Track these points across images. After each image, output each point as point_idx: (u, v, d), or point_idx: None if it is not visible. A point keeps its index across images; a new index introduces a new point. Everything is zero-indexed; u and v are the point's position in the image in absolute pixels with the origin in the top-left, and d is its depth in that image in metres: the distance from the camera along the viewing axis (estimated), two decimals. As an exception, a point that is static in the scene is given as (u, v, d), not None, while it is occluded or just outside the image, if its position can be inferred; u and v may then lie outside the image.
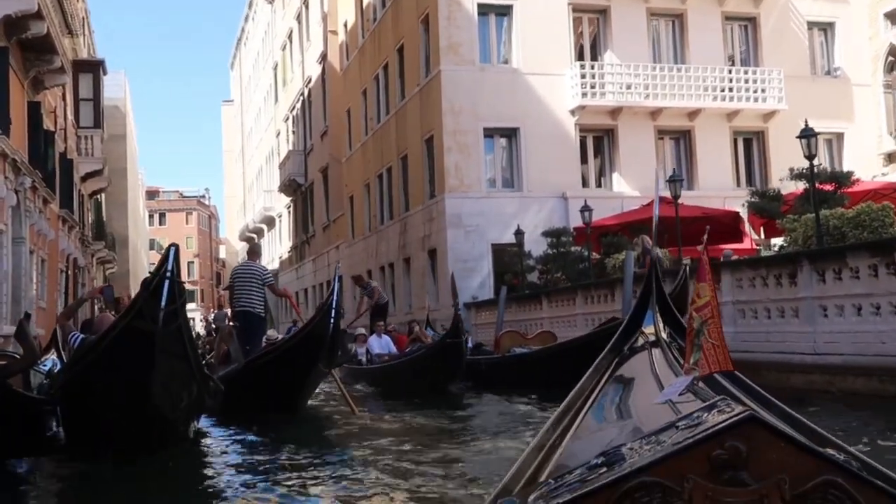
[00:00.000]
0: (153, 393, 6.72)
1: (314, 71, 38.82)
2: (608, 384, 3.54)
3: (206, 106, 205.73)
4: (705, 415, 1.57)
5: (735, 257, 13.14)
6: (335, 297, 9.67)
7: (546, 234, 20.25)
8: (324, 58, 36.78)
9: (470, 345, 15.23)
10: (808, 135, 12.00)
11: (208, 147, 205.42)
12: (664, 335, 3.79)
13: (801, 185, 13.40)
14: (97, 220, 40.89)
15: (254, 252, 13.24)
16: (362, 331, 16.53)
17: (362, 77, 31.10)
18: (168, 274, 6.50)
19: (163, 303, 6.45)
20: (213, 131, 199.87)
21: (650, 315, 4.11)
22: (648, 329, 4.02)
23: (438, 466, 6.65)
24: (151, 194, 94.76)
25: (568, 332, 16.02)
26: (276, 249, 51.90)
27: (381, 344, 15.56)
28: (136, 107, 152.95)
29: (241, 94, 67.65)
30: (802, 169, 13.03)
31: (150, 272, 6.87)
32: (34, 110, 21.69)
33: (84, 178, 33.87)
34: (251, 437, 9.08)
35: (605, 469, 1.53)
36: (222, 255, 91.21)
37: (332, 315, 9.53)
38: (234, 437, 9.18)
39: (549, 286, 19.61)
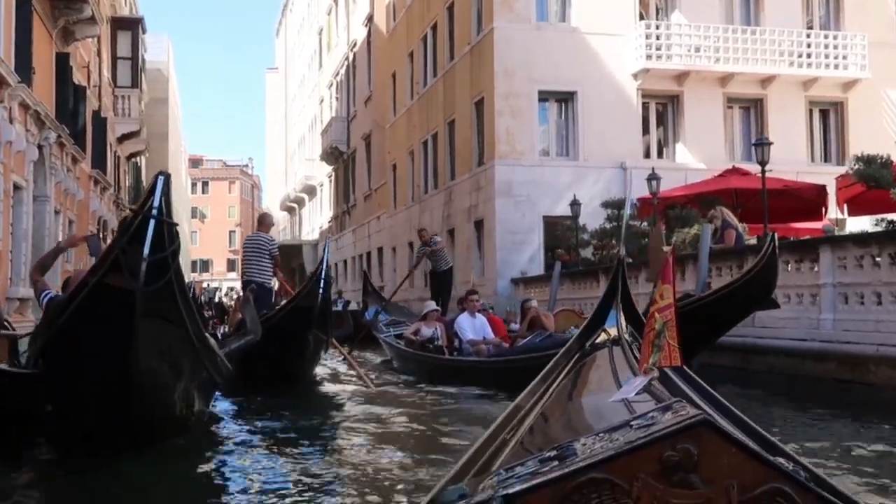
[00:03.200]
0: (135, 371, 5.29)
1: (360, 34, 37.37)
2: (567, 380, 3.54)
3: (252, 74, 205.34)
4: (660, 415, 1.54)
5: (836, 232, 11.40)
6: (324, 268, 9.86)
7: (606, 205, 18.61)
8: (370, 20, 35.29)
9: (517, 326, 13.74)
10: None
11: (253, 116, 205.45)
12: (626, 334, 3.73)
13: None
14: (136, 183, 39.98)
15: (262, 222, 12.51)
16: (433, 305, 13.11)
17: (409, 38, 29.54)
18: (154, 212, 4.98)
19: (146, 250, 4.98)
20: (257, 100, 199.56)
21: (613, 314, 4.10)
22: (611, 328, 3.98)
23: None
24: (195, 162, 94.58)
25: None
26: (316, 219, 50.79)
27: (474, 326, 11.24)
28: (182, 76, 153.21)
29: (286, 61, 66.63)
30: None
31: (129, 209, 5.35)
32: (62, 62, 20.53)
33: (120, 140, 32.90)
34: (265, 424, 7.95)
35: (556, 462, 1.51)
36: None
37: (322, 286, 9.71)
38: (243, 425, 7.99)
39: (605, 262, 17.99)
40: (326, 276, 9.87)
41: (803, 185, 16.37)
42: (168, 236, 5.11)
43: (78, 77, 22.73)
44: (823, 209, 16.66)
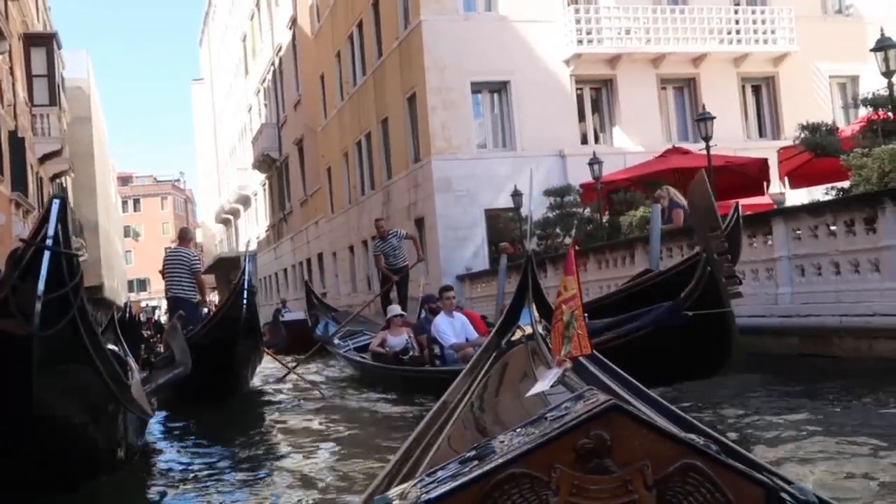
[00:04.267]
0: (39, 423, 4.61)
1: (284, 38, 36.59)
2: (485, 379, 3.57)
3: (178, 87, 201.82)
4: (572, 405, 1.56)
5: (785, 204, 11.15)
6: (247, 278, 9.64)
7: (548, 192, 18.25)
8: (293, 22, 34.55)
9: None
10: (885, 45, 10.01)
11: (181, 129, 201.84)
12: (540, 329, 3.72)
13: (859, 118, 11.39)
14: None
15: (183, 237, 11.95)
16: (397, 310, 11.38)
17: (335, 38, 28.91)
18: (49, 241, 4.28)
19: (40, 287, 4.27)
20: (185, 113, 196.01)
21: (526, 311, 4.12)
22: (526, 324, 4.00)
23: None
24: (124, 180, 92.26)
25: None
26: (252, 230, 49.77)
27: (454, 327, 9.54)
28: (105, 94, 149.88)
29: (211, 71, 65.28)
30: (874, 92, 11.01)
31: (20, 241, 4.67)
32: (-30, 81, 19.51)
33: (42, 160, 31.60)
34: (200, 447, 7.52)
35: (476, 462, 1.52)
36: (199, 238, 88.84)
37: (245, 296, 9.52)
38: (178, 450, 7.49)
39: (551, 252, 17.66)
40: (250, 287, 9.64)
41: (745, 160, 16.24)
42: (69, 270, 4.43)
43: (-11, 96, 21.67)
44: (765, 183, 16.53)
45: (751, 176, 16.26)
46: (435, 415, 3.09)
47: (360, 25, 26.14)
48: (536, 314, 3.98)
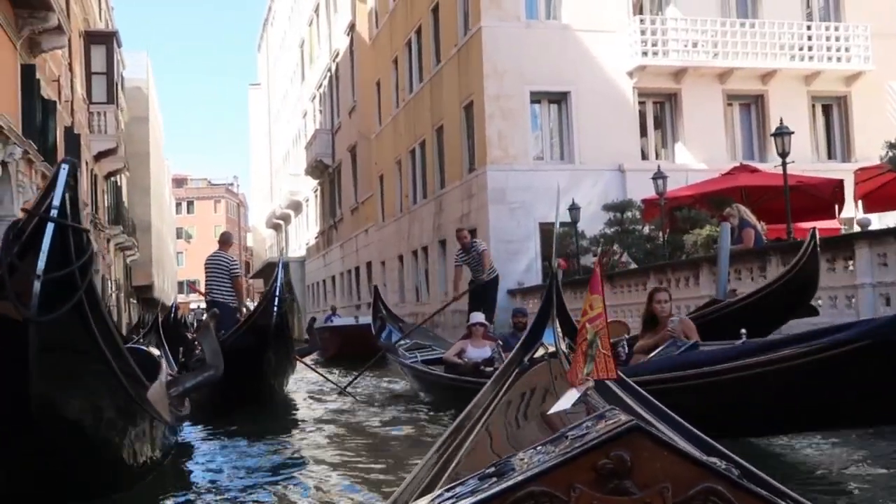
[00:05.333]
0: (41, 429, 4.06)
1: (342, 44, 36.43)
2: (506, 395, 3.58)
3: (235, 91, 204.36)
4: (593, 424, 1.54)
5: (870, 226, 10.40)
6: (279, 285, 9.53)
7: (608, 207, 17.57)
8: (352, 28, 34.34)
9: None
10: None
11: (237, 133, 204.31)
12: (563, 347, 3.74)
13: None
14: (116, 203, 38.82)
15: (224, 241, 12.04)
16: (480, 317, 10.25)
17: (393, 44, 28.57)
18: (53, 212, 3.69)
19: (41, 263, 3.67)
20: (241, 117, 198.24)
21: (550, 330, 4.11)
22: (549, 343, 4.01)
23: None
24: (179, 182, 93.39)
25: (637, 323, 13.29)
26: (303, 236, 49.72)
27: None
28: (163, 95, 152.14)
29: (268, 76, 65.75)
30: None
31: (22, 210, 4.10)
32: (28, 74, 19.43)
33: (97, 158, 31.79)
34: (232, 457, 7.09)
35: (495, 479, 1.51)
36: (250, 243, 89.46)
37: (276, 303, 9.42)
38: (207, 460, 7.07)
39: (607, 269, 16.98)
40: (281, 294, 9.56)
41: (818, 181, 15.41)
42: (77, 246, 3.84)
43: (48, 91, 21.66)
44: (836, 206, 15.71)
45: (822, 198, 15.45)
46: (455, 429, 3.08)
47: (418, 31, 25.77)
48: (560, 332, 3.97)
